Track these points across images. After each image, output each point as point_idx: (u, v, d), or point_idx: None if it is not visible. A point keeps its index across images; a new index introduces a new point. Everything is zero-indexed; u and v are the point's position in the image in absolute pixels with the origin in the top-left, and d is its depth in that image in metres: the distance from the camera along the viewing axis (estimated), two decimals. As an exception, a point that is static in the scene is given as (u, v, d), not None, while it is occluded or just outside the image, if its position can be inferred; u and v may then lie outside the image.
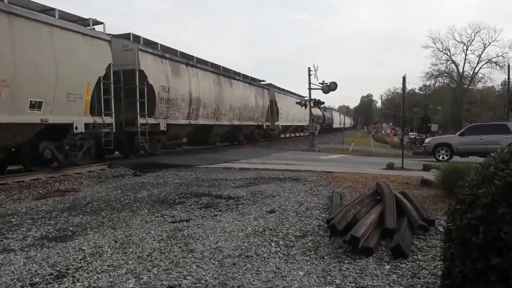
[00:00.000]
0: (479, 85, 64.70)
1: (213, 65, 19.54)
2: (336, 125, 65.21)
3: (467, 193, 2.39)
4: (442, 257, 2.64)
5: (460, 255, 2.25)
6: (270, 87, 29.17)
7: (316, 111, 38.88)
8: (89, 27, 11.56)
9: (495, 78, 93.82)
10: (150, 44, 15.06)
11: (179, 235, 4.85)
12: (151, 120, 14.28)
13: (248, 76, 24.56)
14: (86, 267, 3.82)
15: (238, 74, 22.78)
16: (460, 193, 2.50)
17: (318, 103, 27.85)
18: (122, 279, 3.52)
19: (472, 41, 60.18)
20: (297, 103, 28.20)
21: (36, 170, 10.34)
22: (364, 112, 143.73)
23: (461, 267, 2.23)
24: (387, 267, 3.69)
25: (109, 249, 4.37)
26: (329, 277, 3.49)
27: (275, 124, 29.24)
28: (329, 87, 25.00)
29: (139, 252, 4.25)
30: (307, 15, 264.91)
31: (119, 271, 3.69)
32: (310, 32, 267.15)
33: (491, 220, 2.09)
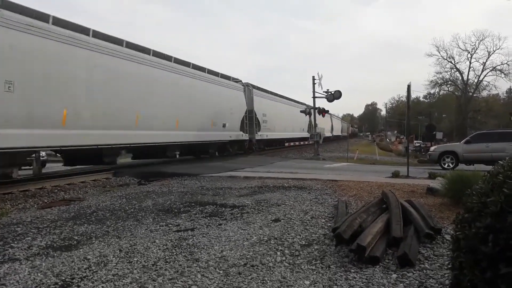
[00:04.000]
0: (484, 93, 64.34)
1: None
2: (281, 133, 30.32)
3: (475, 202, 2.37)
4: (450, 266, 2.61)
5: (469, 264, 2.22)
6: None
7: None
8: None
9: (500, 86, 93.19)
10: None
11: (184, 244, 4.83)
12: None
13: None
14: (91, 277, 3.80)
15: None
16: (468, 201, 2.48)
17: (323, 111, 27.74)
18: (127, 288, 3.50)
19: (477, 49, 59.93)
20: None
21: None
22: (369, 120, 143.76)
23: (470, 277, 2.20)
24: (394, 276, 3.65)
25: (114, 258, 4.36)
26: (335, 287, 3.46)
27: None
28: (333, 96, 24.89)
29: (144, 261, 4.23)
30: (311, 23, 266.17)
31: (124, 281, 3.68)
32: (314, 41, 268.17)
33: (500, 229, 2.06)
